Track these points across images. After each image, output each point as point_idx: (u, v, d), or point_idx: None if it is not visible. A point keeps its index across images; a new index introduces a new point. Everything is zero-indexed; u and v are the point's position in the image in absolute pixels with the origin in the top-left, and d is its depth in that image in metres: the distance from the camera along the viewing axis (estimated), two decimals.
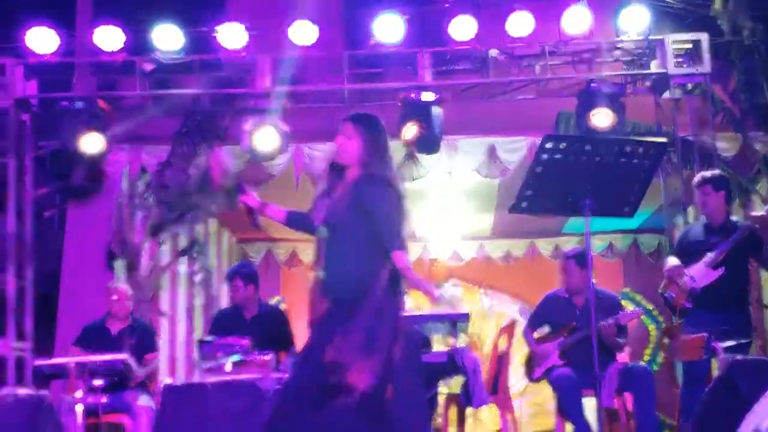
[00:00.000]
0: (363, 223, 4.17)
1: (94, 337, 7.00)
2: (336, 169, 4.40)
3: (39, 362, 6.48)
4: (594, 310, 4.65)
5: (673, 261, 6.27)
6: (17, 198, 8.36)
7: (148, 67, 8.40)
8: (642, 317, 11.51)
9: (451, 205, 10.83)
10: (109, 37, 8.27)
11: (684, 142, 8.35)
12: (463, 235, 12.42)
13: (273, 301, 12.02)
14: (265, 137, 8.20)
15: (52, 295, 9.26)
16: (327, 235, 4.29)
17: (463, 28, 8.29)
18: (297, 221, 4.72)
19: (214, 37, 8.37)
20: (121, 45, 8.30)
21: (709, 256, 6.09)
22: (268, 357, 5.95)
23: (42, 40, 8.27)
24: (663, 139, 7.55)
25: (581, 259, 6.54)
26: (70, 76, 8.51)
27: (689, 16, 8.69)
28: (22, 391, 6.05)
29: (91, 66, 8.58)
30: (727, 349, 5.47)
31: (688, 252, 6.28)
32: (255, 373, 5.80)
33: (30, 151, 8.62)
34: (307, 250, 12.74)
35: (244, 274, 7.07)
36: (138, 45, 8.44)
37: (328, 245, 4.28)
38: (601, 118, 8.00)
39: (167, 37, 8.26)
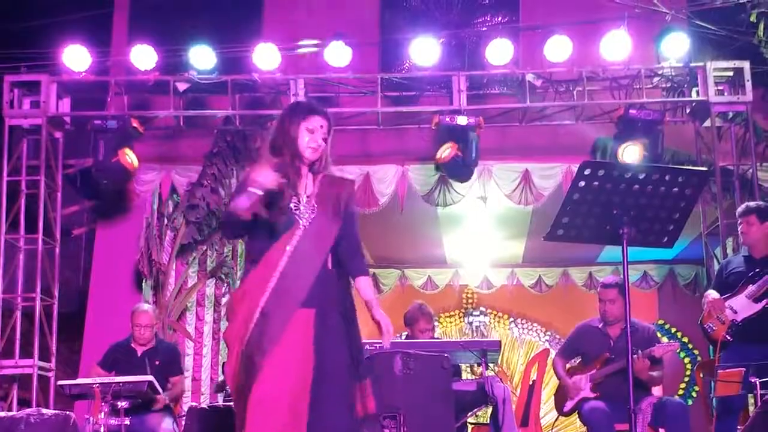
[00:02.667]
0: None
1: (120, 358, 6.93)
2: None
3: (63, 382, 6.40)
4: (630, 342, 4.49)
5: (713, 293, 6.11)
6: (46, 216, 8.34)
7: (182, 86, 8.39)
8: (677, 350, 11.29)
9: (483, 230, 10.70)
10: (143, 57, 8.33)
11: (724, 172, 8.20)
12: (494, 262, 12.28)
13: None
14: None
15: (79, 315, 9.23)
16: None
17: (499, 51, 8.24)
18: None
19: (248, 57, 8.36)
20: (155, 64, 8.31)
21: (751, 288, 5.93)
22: None
23: (77, 58, 8.34)
24: (703, 168, 7.39)
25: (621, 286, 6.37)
26: (104, 95, 8.53)
27: (731, 44, 8.54)
28: (47, 411, 5.98)
29: (125, 85, 8.59)
30: (766, 385, 5.29)
31: (729, 284, 6.12)
32: None
33: (61, 169, 8.63)
34: None
35: None
36: (172, 64, 8.46)
37: None
38: (631, 152, 7.88)
39: (201, 57, 8.26)
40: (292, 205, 3.97)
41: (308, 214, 3.98)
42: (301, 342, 3.85)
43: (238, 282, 9.97)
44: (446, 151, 8.07)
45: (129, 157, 8.25)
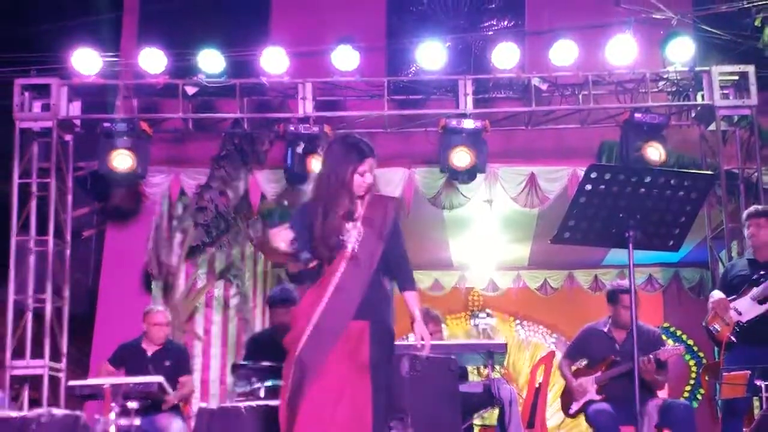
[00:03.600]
0: None
1: (129, 357, 6.97)
2: None
3: (73, 382, 6.45)
4: (636, 345, 4.53)
5: (718, 294, 6.14)
6: (57, 218, 8.40)
7: (191, 90, 8.44)
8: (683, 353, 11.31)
9: (489, 233, 10.74)
10: (152, 60, 8.38)
11: (729, 175, 8.23)
12: (500, 265, 12.31)
13: None
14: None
15: (89, 316, 9.29)
16: None
17: (506, 55, 8.28)
18: None
19: (256, 61, 8.41)
20: (164, 68, 8.37)
21: (755, 290, 5.96)
22: None
23: (86, 61, 8.39)
24: (709, 172, 7.42)
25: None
26: (113, 98, 8.58)
27: (736, 48, 8.57)
28: (58, 411, 6.02)
29: (134, 88, 8.65)
30: None
31: (734, 286, 6.14)
32: None
33: (71, 172, 8.69)
34: None
35: (286, 301, 7.03)
36: (181, 68, 8.52)
37: None
38: (654, 152, 7.91)
39: (210, 61, 8.31)
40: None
41: (356, 236, 4.22)
42: (356, 352, 4.13)
43: (248, 282, 10.09)
44: (464, 158, 8.10)
45: (136, 159, 8.26)
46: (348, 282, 4.16)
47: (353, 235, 4.21)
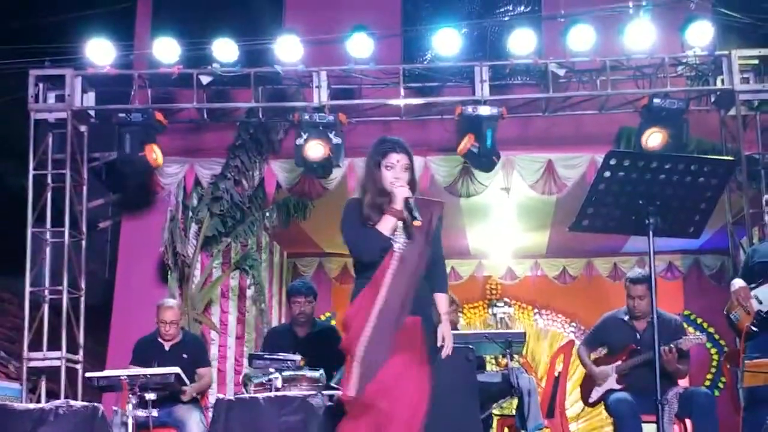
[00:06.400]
0: None
1: (149, 353, 6.94)
2: None
3: (91, 374, 6.44)
4: (657, 334, 4.47)
5: (739, 282, 6.04)
6: (72, 209, 8.39)
7: (205, 79, 8.41)
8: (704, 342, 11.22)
9: (506, 221, 10.68)
10: (166, 50, 8.35)
11: (750, 160, 8.14)
12: (517, 253, 12.25)
13: (324, 318, 11.98)
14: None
15: (105, 307, 9.29)
16: None
17: (522, 41, 8.20)
18: None
19: (271, 49, 8.37)
20: (178, 57, 8.34)
21: None
22: (319, 373, 5.87)
23: (101, 52, 8.37)
24: (730, 158, 7.33)
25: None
26: (128, 88, 8.56)
27: (757, 31, 8.46)
28: (75, 403, 6.02)
29: (149, 78, 8.63)
30: None
31: (755, 273, 6.05)
32: (306, 390, 5.73)
33: (86, 163, 8.68)
34: None
35: (306, 292, 7.02)
36: (195, 57, 8.49)
37: None
38: (656, 138, 7.83)
39: (224, 50, 8.27)
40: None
41: (403, 238, 4.37)
42: (412, 345, 4.32)
43: (263, 273, 10.08)
44: (467, 145, 8.05)
45: (155, 153, 8.28)
46: (399, 280, 4.31)
47: (399, 237, 4.36)
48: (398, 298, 4.30)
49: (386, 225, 4.34)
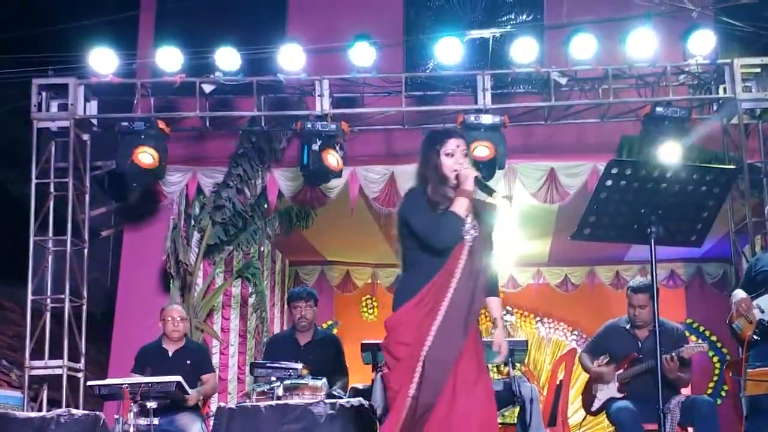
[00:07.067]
0: None
1: (152, 360, 6.95)
2: None
3: (92, 382, 6.44)
4: (659, 343, 4.46)
5: (740, 293, 6.04)
6: (74, 217, 8.40)
7: (208, 88, 8.42)
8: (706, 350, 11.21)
9: (508, 229, 10.66)
10: (169, 59, 8.37)
11: (752, 169, 8.13)
12: (519, 261, 12.24)
13: (326, 326, 11.98)
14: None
15: (107, 315, 9.30)
16: None
17: (524, 50, 8.21)
18: None
19: (273, 58, 8.39)
20: (181, 66, 8.36)
21: None
22: (321, 382, 5.87)
23: (103, 60, 8.38)
24: (732, 167, 7.32)
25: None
26: (131, 97, 8.57)
27: (759, 40, 8.46)
28: (77, 411, 6.03)
29: (151, 87, 8.64)
30: None
31: (758, 282, 6.04)
32: (307, 398, 5.73)
33: (89, 171, 8.68)
34: (360, 272, 12.73)
35: (306, 296, 7.02)
36: (197, 66, 8.50)
37: None
38: (669, 151, 7.83)
39: (226, 59, 8.29)
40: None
41: (472, 231, 4.24)
42: (476, 347, 4.20)
43: (265, 281, 10.07)
44: (483, 151, 8.01)
45: (145, 154, 8.21)
46: (468, 274, 4.17)
47: (469, 229, 4.23)
48: (467, 294, 4.14)
49: (461, 206, 4.20)
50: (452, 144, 4.31)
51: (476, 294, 4.18)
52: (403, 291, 4.27)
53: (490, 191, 4.26)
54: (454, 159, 4.29)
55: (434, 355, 4.03)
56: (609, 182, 4.22)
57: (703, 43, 8.09)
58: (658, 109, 8.04)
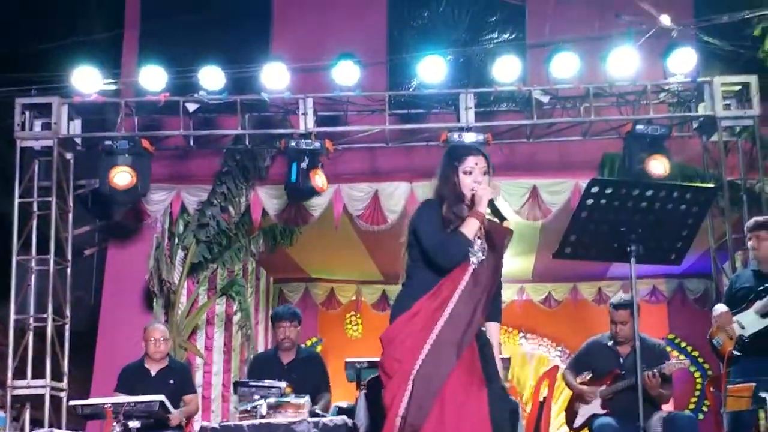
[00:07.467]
0: None
1: (135, 380, 6.94)
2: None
3: (75, 402, 6.42)
4: (639, 360, 4.49)
5: (721, 308, 6.09)
6: (58, 236, 8.38)
7: (192, 106, 8.43)
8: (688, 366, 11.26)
9: None
10: (153, 78, 8.38)
11: (732, 186, 8.20)
12: (503, 277, 12.21)
13: (310, 343, 11.97)
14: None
15: (90, 334, 9.26)
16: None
17: (507, 69, 8.27)
18: None
19: (257, 77, 8.41)
20: (165, 85, 8.37)
21: (759, 303, 5.91)
22: (304, 400, 5.87)
23: (87, 80, 8.38)
24: (711, 185, 7.39)
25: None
26: (115, 116, 8.58)
27: (738, 59, 8.55)
28: (59, 431, 6.00)
29: (135, 106, 8.65)
30: None
31: (738, 298, 6.09)
32: (291, 416, 5.73)
33: (72, 190, 8.67)
34: (344, 290, 12.74)
35: (290, 317, 7.02)
36: (181, 85, 8.51)
37: None
38: (657, 165, 7.89)
39: (210, 78, 8.31)
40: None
41: (480, 252, 4.14)
42: (472, 366, 4.04)
43: (249, 299, 10.06)
44: None
45: (122, 174, 8.21)
46: (469, 297, 4.08)
47: (477, 250, 4.14)
48: (466, 315, 4.05)
49: (470, 228, 4.10)
50: (471, 161, 4.24)
51: (475, 316, 4.09)
52: (399, 303, 4.20)
53: (501, 216, 4.20)
54: (472, 177, 4.21)
55: (423, 373, 3.94)
56: (589, 201, 4.24)
57: (683, 62, 8.17)
58: (639, 126, 8.11)
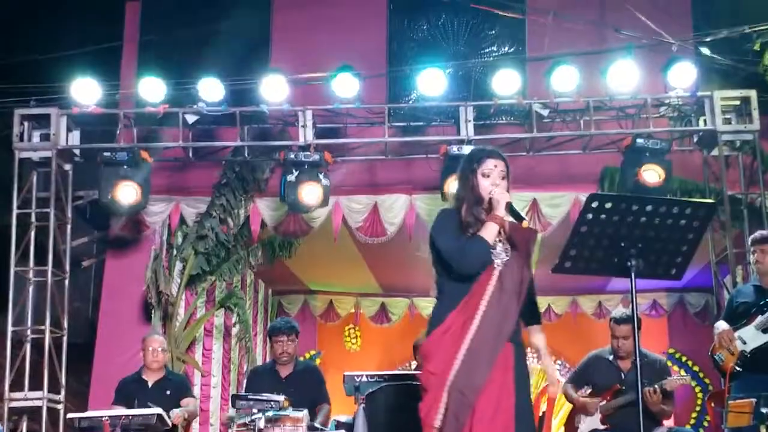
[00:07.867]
0: None
1: (132, 392, 6.91)
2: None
3: (72, 415, 6.39)
4: (640, 375, 4.47)
5: (722, 325, 6.07)
6: (56, 247, 8.35)
7: (191, 118, 8.43)
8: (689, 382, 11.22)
9: None
10: (152, 89, 8.37)
11: (732, 200, 8.18)
12: None
13: (309, 356, 11.94)
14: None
15: (88, 346, 9.22)
16: None
17: (506, 82, 8.27)
18: None
19: (256, 89, 8.41)
20: (164, 97, 8.37)
21: (760, 318, 5.89)
22: (302, 413, 5.84)
23: (86, 91, 8.38)
24: (711, 200, 7.38)
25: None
26: (113, 127, 8.57)
27: (738, 73, 8.54)
28: None
29: (134, 117, 8.64)
30: None
31: (739, 313, 6.08)
32: (288, 430, 5.70)
33: (70, 201, 8.65)
34: (343, 302, 12.71)
35: (288, 331, 6.99)
36: (180, 97, 8.51)
37: None
38: (651, 174, 7.87)
39: (210, 89, 8.30)
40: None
41: (503, 255, 4.15)
42: (503, 374, 4.02)
43: (248, 312, 10.03)
44: (453, 185, 8.05)
45: (136, 188, 8.23)
46: (497, 300, 4.07)
47: (500, 252, 4.15)
48: (495, 321, 4.02)
49: (489, 232, 4.09)
50: (490, 164, 4.25)
51: (506, 320, 4.07)
52: (434, 318, 4.18)
53: (520, 218, 4.18)
54: (490, 180, 4.23)
55: (459, 384, 3.92)
56: (589, 216, 4.22)
57: (683, 76, 8.16)
58: (639, 140, 8.10)
